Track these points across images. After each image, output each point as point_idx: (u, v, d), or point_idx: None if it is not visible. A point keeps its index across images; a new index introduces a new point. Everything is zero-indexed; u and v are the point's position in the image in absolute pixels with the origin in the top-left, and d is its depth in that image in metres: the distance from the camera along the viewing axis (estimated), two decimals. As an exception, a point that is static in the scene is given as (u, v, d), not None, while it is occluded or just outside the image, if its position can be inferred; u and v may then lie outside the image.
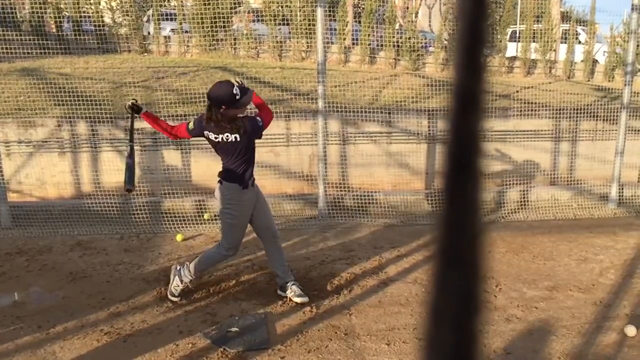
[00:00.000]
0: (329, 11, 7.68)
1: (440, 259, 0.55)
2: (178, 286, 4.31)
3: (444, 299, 0.54)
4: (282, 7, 10.54)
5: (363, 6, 10.88)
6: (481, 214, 0.53)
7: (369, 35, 10.68)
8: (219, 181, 4.17)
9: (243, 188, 4.12)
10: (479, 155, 0.52)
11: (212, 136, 4.05)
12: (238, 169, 4.09)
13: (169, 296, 4.33)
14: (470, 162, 0.52)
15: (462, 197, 0.53)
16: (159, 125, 4.34)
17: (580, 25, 13.68)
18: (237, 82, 4.03)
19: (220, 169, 4.18)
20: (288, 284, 4.37)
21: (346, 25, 10.85)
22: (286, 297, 4.34)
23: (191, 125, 4.19)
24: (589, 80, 11.99)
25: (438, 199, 0.54)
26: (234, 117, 3.98)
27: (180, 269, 4.34)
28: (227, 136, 3.98)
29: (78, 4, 9.52)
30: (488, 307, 4.24)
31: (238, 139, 4.00)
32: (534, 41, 11.96)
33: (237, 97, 3.90)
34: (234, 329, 3.86)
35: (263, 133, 4.17)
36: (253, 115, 4.18)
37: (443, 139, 0.53)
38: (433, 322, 0.55)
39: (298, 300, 4.28)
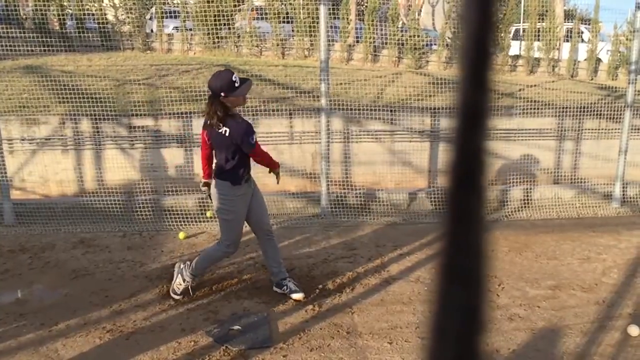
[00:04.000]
0: (332, 9, 7.66)
1: (444, 275, 0.55)
2: (180, 284, 4.32)
3: (447, 316, 0.54)
4: (285, 4, 10.53)
5: (366, 4, 10.87)
6: (485, 231, 0.53)
7: (372, 33, 10.67)
8: (213, 177, 4.21)
9: (234, 185, 4.12)
10: (483, 172, 0.52)
11: (206, 134, 4.13)
12: (228, 165, 4.08)
13: (172, 294, 4.34)
14: (475, 179, 0.52)
15: (466, 214, 0.53)
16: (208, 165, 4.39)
17: (584, 23, 13.63)
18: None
19: (215, 165, 4.22)
20: (283, 281, 4.39)
21: (349, 23, 10.85)
22: (282, 293, 4.36)
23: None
24: (592, 79, 11.96)
25: (441, 197, 0.54)
26: (233, 106, 4.00)
27: (183, 267, 4.35)
28: (220, 125, 3.99)
29: (81, 1, 9.53)
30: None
31: (228, 133, 3.99)
32: (537, 39, 11.93)
33: (236, 84, 3.93)
34: (236, 327, 3.86)
35: (251, 150, 4.10)
36: (250, 126, 4.07)
37: (447, 155, 0.53)
38: (436, 339, 0.54)
39: (294, 296, 4.29)
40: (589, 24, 13.07)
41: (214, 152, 4.23)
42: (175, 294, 4.33)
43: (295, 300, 4.28)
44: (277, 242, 4.54)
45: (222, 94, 3.91)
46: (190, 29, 10.49)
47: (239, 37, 10.47)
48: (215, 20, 9.12)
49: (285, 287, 4.36)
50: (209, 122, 4.03)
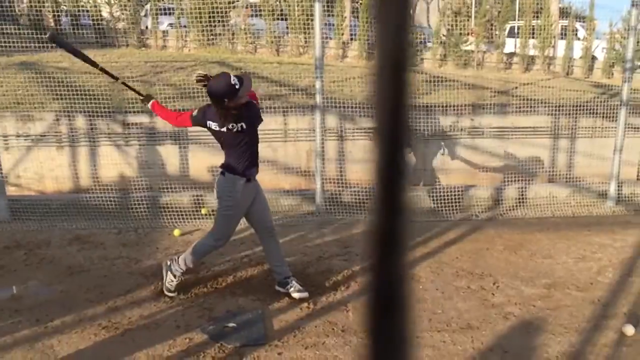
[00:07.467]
0: (327, 6, 7.66)
1: (372, 306, 0.58)
2: (172, 281, 4.30)
3: (379, 345, 0.57)
4: (279, 1, 10.52)
5: (361, 1, 10.86)
6: (406, 258, 0.56)
7: (367, 30, 10.66)
8: (222, 172, 4.14)
9: (246, 181, 4.11)
10: (406, 208, 0.54)
11: (214, 126, 4.01)
12: (241, 161, 4.06)
13: (165, 292, 4.32)
14: (398, 206, 0.54)
15: (391, 240, 0.55)
16: (166, 112, 4.45)
17: (579, 21, 13.66)
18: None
19: (223, 161, 4.16)
20: (287, 280, 4.37)
21: (344, 21, 10.84)
22: (285, 292, 4.33)
23: (195, 113, 4.15)
24: (587, 77, 12.00)
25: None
26: (238, 106, 3.93)
27: (170, 264, 4.33)
28: (233, 125, 3.96)
29: (76, -3, 9.49)
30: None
31: (244, 127, 3.98)
32: (532, 37, 11.95)
33: (237, 86, 3.87)
34: (231, 325, 3.86)
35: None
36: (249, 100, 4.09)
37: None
38: None
39: (297, 295, 4.26)
40: (584, 22, 13.10)
41: (226, 150, 4.16)
42: (170, 291, 4.31)
43: (296, 299, 4.26)
44: (279, 240, 4.52)
45: (226, 99, 3.86)
46: (185, 26, 10.46)
47: (233, 34, 10.45)
48: (209, 17, 9.10)
49: (289, 286, 4.32)
50: (225, 127, 3.98)
